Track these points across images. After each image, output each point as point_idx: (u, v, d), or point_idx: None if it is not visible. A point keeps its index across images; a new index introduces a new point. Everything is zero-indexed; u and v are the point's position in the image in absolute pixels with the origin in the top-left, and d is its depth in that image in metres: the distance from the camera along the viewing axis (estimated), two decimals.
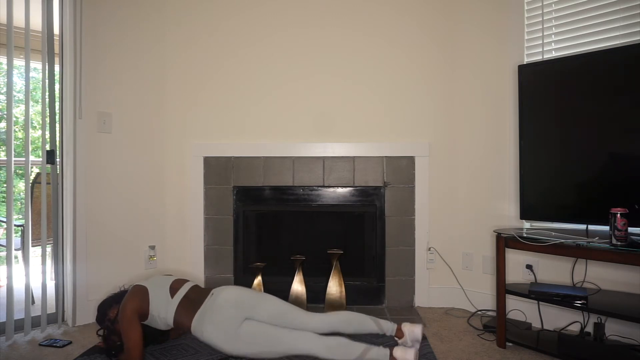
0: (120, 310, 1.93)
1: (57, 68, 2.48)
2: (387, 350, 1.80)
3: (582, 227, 2.19)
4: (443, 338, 2.27)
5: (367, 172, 2.84)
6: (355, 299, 2.82)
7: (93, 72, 2.53)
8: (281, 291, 2.53)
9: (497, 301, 2.16)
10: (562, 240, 1.92)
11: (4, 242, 2.81)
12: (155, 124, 2.85)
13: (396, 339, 2.03)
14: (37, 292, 2.58)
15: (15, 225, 2.59)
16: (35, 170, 3.26)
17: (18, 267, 2.94)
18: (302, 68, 2.88)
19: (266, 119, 2.90)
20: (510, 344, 2.15)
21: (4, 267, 3.04)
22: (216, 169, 2.90)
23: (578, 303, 1.91)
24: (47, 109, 2.42)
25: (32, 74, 3.09)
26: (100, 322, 2.02)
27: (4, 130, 3.76)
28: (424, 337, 2.23)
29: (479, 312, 2.66)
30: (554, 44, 2.41)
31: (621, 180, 1.97)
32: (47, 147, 2.43)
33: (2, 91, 3.88)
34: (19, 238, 2.87)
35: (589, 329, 2.18)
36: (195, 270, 2.88)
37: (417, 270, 2.81)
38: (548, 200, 2.20)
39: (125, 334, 1.87)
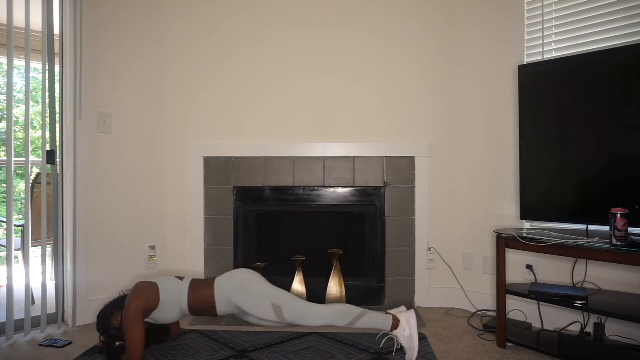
0: (124, 308, 1.93)
1: (57, 68, 2.48)
2: (388, 315, 2.01)
3: (582, 227, 2.19)
4: (443, 338, 2.27)
5: (367, 172, 2.84)
6: (355, 299, 2.81)
7: (93, 72, 2.53)
8: None
9: (497, 301, 2.16)
10: (562, 240, 1.92)
11: (4, 242, 2.81)
12: (155, 124, 2.85)
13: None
14: (37, 292, 2.58)
15: (15, 225, 2.59)
16: (35, 170, 3.26)
17: (18, 267, 2.94)
18: (302, 68, 2.88)
19: (266, 119, 2.90)
20: (510, 344, 2.15)
21: (4, 267, 3.04)
22: (216, 169, 2.90)
23: (578, 303, 1.91)
24: (47, 109, 2.42)
25: (32, 74, 3.09)
26: (104, 331, 2.00)
27: (4, 130, 3.76)
28: (425, 337, 2.23)
29: (479, 312, 2.66)
30: (554, 44, 2.41)
31: (621, 180, 1.97)
32: (47, 147, 2.43)
33: (2, 91, 3.88)
34: (19, 238, 2.87)
35: (589, 329, 2.18)
36: (195, 270, 2.88)
37: (417, 270, 2.81)
38: (548, 200, 2.20)
39: (128, 333, 1.87)
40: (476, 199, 2.74)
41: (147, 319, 2.05)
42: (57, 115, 2.48)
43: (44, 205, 2.38)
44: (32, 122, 4.00)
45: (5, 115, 2.72)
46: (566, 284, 2.29)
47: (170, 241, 2.91)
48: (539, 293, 2.04)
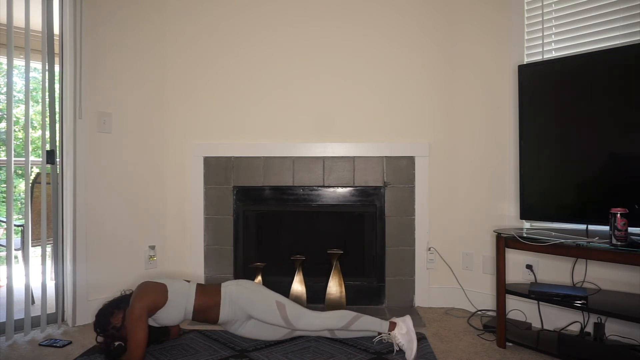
0: (129, 308, 1.93)
1: (57, 68, 2.48)
2: (386, 321, 2.07)
3: (582, 227, 2.19)
4: (443, 338, 2.27)
5: (367, 172, 2.84)
6: (355, 299, 2.82)
7: (93, 72, 2.53)
8: (281, 291, 2.52)
9: (497, 301, 2.16)
10: (562, 240, 1.92)
11: (4, 242, 2.81)
12: (155, 124, 2.85)
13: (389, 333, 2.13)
14: (37, 292, 2.58)
15: (15, 225, 2.59)
16: (35, 170, 3.26)
17: (18, 267, 2.93)
18: (302, 68, 2.88)
19: (266, 119, 2.90)
20: (510, 344, 2.15)
21: (4, 267, 3.04)
22: (216, 169, 2.90)
23: (578, 303, 1.91)
24: (47, 109, 2.42)
25: (32, 74, 3.09)
26: (103, 330, 1.98)
27: (4, 130, 3.76)
28: (425, 337, 2.23)
29: (479, 312, 2.66)
30: (554, 44, 2.41)
31: (621, 180, 1.97)
32: (47, 147, 2.43)
33: (2, 91, 3.88)
34: (19, 238, 2.87)
35: (589, 329, 2.18)
36: (195, 270, 2.88)
37: (417, 270, 2.81)
38: (548, 200, 2.20)
39: (131, 333, 1.87)
40: (476, 199, 2.74)
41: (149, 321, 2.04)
42: (57, 115, 2.48)
43: (44, 205, 2.38)
44: (32, 122, 4.00)
45: (5, 115, 2.72)
46: (566, 284, 2.29)
47: (170, 241, 2.91)
48: (539, 293, 2.04)
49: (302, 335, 2.24)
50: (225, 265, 2.89)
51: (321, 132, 2.88)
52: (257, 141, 2.89)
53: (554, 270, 2.38)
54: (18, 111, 3.99)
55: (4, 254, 3.71)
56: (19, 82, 3.84)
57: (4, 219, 2.62)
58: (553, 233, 2.07)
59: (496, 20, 2.64)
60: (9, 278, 2.21)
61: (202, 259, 2.89)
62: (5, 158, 2.25)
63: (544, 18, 2.43)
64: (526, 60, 2.50)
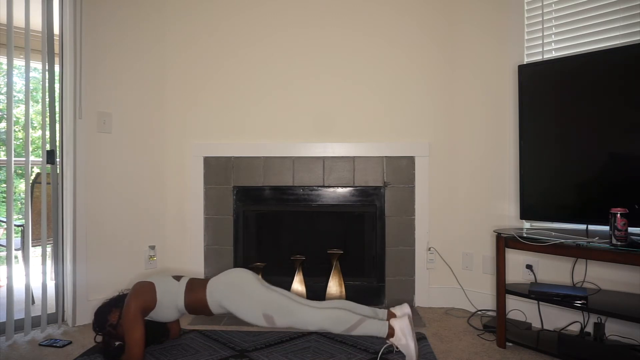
0: (124, 308, 1.93)
1: (57, 68, 2.48)
2: (385, 323, 1.96)
3: (582, 227, 2.19)
4: (443, 338, 2.27)
5: (367, 172, 2.84)
6: (355, 299, 2.79)
7: (93, 72, 2.53)
8: None
9: (497, 301, 2.16)
10: (562, 240, 1.92)
11: (4, 242, 2.81)
12: (155, 124, 2.85)
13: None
14: (37, 292, 2.58)
15: (15, 225, 2.59)
16: (35, 170, 3.26)
17: (18, 267, 2.94)
18: (302, 68, 2.88)
19: (266, 119, 2.90)
20: (510, 344, 2.15)
21: (4, 267, 3.04)
22: (216, 169, 2.90)
23: (578, 303, 1.91)
24: (47, 109, 2.42)
25: (32, 74, 3.09)
26: (101, 328, 2.00)
27: (4, 130, 3.76)
28: (425, 337, 2.23)
29: (479, 312, 2.66)
30: (554, 44, 2.41)
31: (621, 180, 1.97)
32: (47, 147, 2.43)
33: (2, 91, 3.88)
34: (19, 238, 2.87)
35: (589, 329, 2.18)
36: (195, 270, 2.88)
37: (417, 270, 2.81)
38: (548, 200, 2.20)
39: (128, 332, 1.87)
40: (476, 199, 2.74)
41: (147, 317, 2.04)
42: (57, 115, 2.48)
43: (44, 205, 2.38)
44: (32, 122, 4.00)
45: (5, 115, 2.72)
46: (566, 284, 2.29)
47: (170, 241, 2.91)
48: (539, 293, 2.04)
49: (302, 335, 2.24)
50: (225, 265, 2.89)
51: (321, 132, 2.88)
52: (257, 141, 2.89)
53: (554, 270, 2.38)
54: (18, 111, 3.99)
55: (4, 254, 3.71)
56: (19, 82, 3.84)
57: (4, 219, 2.62)
58: (553, 233, 2.07)
59: (496, 20, 2.64)
60: (9, 278, 2.21)
61: (202, 259, 2.89)
62: (5, 158, 2.25)
63: (544, 18, 2.43)
64: (526, 60, 2.50)
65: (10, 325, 2.22)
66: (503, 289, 2.14)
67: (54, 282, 2.55)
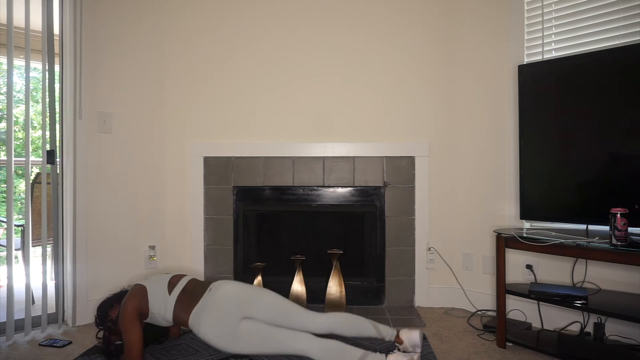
0: (120, 309, 1.93)
1: (57, 68, 2.48)
2: (382, 357, 1.78)
3: (582, 227, 2.19)
4: (443, 338, 2.27)
5: (367, 172, 2.84)
6: (355, 299, 2.82)
7: (93, 72, 2.53)
8: (281, 291, 2.52)
9: (497, 301, 2.16)
10: (562, 240, 1.92)
11: (4, 242, 2.81)
12: (155, 124, 2.85)
13: (397, 344, 2.01)
14: (37, 292, 2.58)
15: (15, 225, 2.59)
16: (35, 170, 3.27)
17: (18, 267, 2.94)
18: (302, 68, 2.88)
19: (266, 119, 2.90)
20: (510, 344, 2.15)
21: (4, 267, 3.04)
22: (216, 169, 2.90)
23: (578, 303, 1.91)
24: (47, 109, 2.42)
25: (32, 74, 3.09)
26: (102, 323, 2.01)
27: (4, 130, 3.76)
28: (424, 337, 2.23)
29: (479, 312, 2.66)
30: (554, 44, 2.41)
31: (621, 180, 1.97)
32: (47, 147, 2.43)
33: (2, 91, 3.88)
34: (19, 238, 2.87)
35: (589, 329, 2.18)
36: (196, 270, 2.88)
37: (417, 270, 2.81)
38: (548, 200, 2.20)
39: (125, 334, 1.87)
40: (476, 199, 2.74)
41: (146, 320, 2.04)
42: (57, 115, 2.48)
43: (44, 205, 2.38)
44: (32, 122, 4.00)
45: (5, 115, 2.72)
46: (566, 284, 2.29)
47: (170, 241, 2.91)
48: (539, 293, 2.04)
49: None
50: (225, 265, 2.89)
51: (321, 132, 2.88)
52: (257, 141, 2.89)
53: (554, 270, 2.38)
54: (18, 111, 3.99)
55: (4, 254, 3.71)
56: (19, 82, 3.84)
57: (4, 219, 2.62)
58: (553, 233, 2.07)
59: (496, 20, 2.64)
60: (9, 278, 2.21)
61: (202, 258, 2.89)
62: (5, 158, 2.25)
63: (544, 18, 2.43)
64: (526, 60, 2.50)
65: (11, 325, 2.22)
66: (503, 289, 2.14)
67: (54, 282, 2.55)
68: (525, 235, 2.07)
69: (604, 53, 2.04)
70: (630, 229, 1.85)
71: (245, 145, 2.87)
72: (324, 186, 2.87)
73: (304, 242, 2.99)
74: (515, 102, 2.52)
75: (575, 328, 2.27)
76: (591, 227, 2.16)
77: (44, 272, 2.39)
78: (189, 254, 2.90)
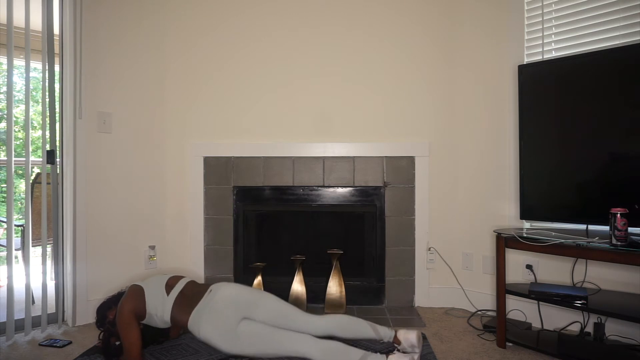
0: (117, 311, 1.93)
1: (57, 68, 2.48)
2: (383, 357, 1.78)
3: (582, 227, 2.19)
4: (443, 338, 2.27)
5: (367, 172, 2.84)
6: (355, 299, 2.82)
7: (93, 72, 2.53)
8: (281, 291, 2.53)
9: (497, 301, 2.16)
10: (562, 240, 1.92)
11: (4, 242, 2.81)
12: (155, 124, 2.85)
13: (395, 345, 2.01)
14: (37, 292, 2.58)
15: (15, 225, 2.59)
16: (36, 170, 3.27)
17: (18, 267, 2.94)
18: (302, 68, 2.88)
19: (266, 119, 2.90)
20: (510, 344, 2.15)
21: (4, 267, 3.04)
22: (216, 169, 2.90)
23: (578, 303, 1.91)
24: (47, 109, 2.42)
25: (32, 74, 3.09)
26: (101, 325, 2.01)
27: (4, 130, 3.76)
28: (425, 337, 2.23)
29: (479, 312, 2.66)
30: (554, 44, 2.41)
31: (621, 180, 1.97)
32: (47, 147, 2.43)
33: (2, 91, 3.88)
34: (19, 238, 2.87)
35: (589, 329, 2.18)
36: (195, 270, 2.88)
37: (417, 270, 2.81)
38: (548, 200, 2.20)
39: (123, 335, 1.87)
40: (476, 199, 2.74)
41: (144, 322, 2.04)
42: (57, 115, 2.48)
43: (44, 205, 2.38)
44: (32, 122, 4.00)
45: (5, 115, 2.72)
46: (566, 284, 2.29)
47: (170, 241, 2.91)
48: (539, 293, 2.04)
49: None
50: (225, 265, 2.89)
51: (321, 132, 2.88)
52: (257, 141, 2.89)
53: (554, 270, 2.38)
54: (18, 111, 3.99)
55: (4, 254, 3.71)
56: (19, 82, 3.84)
57: (4, 219, 2.62)
58: (553, 233, 2.07)
59: (496, 20, 2.64)
60: (10, 278, 2.21)
61: (202, 259, 2.89)
62: (5, 158, 2.25)
63: (544, 18, 2.43)
64: (526, 60, 2.50)
65: (11, 325, 2.22)
66: (503, 289, 2.14)
67: (54, 282, 2.55)
68: (525, 235, 2.07)
69: (604, 53, 2.04)
70: (630, 229, 1.85)
71: (245, 145, 2.87)
72: (324, 186, 2.87)
73: (304, 242, 2.99)
74: (515, 102, 2.52)
75: (575, 328, 2.27)
76: (591, 227, 2.16)
77: (44, 272, 2.39)
78: (189, 254, 2.90)
